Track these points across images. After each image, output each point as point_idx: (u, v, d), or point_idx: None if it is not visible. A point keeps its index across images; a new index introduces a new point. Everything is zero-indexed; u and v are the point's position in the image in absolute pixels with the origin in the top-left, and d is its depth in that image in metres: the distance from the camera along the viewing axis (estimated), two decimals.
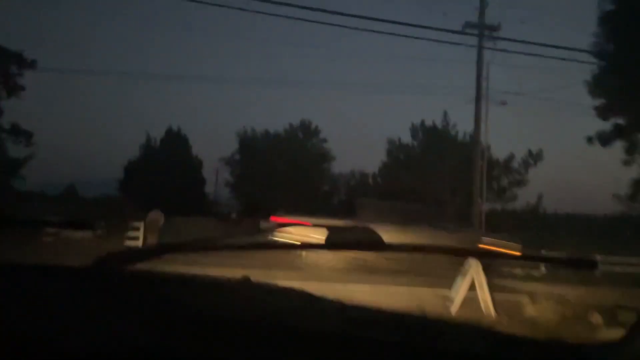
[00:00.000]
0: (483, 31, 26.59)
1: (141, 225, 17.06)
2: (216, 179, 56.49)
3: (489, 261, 10.60)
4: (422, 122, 42.88)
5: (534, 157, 39.26)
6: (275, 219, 16.14)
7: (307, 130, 51.71)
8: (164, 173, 48.00)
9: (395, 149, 44.15)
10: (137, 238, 16.77)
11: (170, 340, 0.83)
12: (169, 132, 53.08)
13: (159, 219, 17.67)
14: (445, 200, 33.00)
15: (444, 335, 1.04)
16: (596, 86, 27.30)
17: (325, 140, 51.69)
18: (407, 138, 43.09)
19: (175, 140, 52.57)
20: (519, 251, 13.95)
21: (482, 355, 0.93)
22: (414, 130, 43.25)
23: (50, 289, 1.07)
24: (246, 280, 1.34)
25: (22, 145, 19.37)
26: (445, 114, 42.48)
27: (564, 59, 23.62)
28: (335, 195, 50.01)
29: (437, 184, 35.24)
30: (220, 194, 55.80)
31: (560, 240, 23.98)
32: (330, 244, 2.82)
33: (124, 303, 1.01)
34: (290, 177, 46.72)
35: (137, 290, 1.13)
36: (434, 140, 40.82)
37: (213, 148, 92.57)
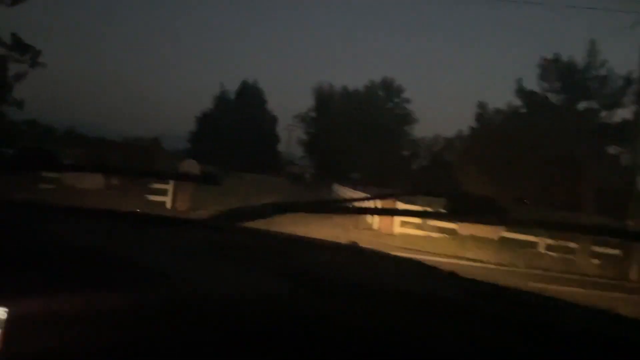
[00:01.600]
0: None
1: (169, 187, 14.19)
2: (289, 136, 54.22)
3: None
4: (557, 57, 32.27)
5: None
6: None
7: (388, 89, 48.14)
8: (236, 127, 46.33)
9: (486, 114, 39.87)
10: (164, 192, 13.76)
11: (294, 292, 0.88)
12: (245, 84, 51.01)
13: (194, 171, 14.80)
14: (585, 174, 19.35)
15: (564, 315, 1.03)
16: None
17: (408, 101, 48.03)
18: (504, 101, 38.65)
19: (251, 94, 50.52)
20: None
21: (606, 336, 0.90)
22: (544, 70, 32.71)
23: (182, 239, 1.17)
24: (355, 245, 1.38)
25: (27, 65, 16.61)
26: (591, 44, 30.22)
27: None
28: (415, 160, 46.46)
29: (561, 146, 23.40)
30: (293, 153, 53.59)
31: None
32: (451, 214, 2.11)
33: (247, 257, 1.08)
34: (367, 138, 43.62)
35: (257, 245, 1.19)
36: (572, 80, 30.91)
37: (288, 103, 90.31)
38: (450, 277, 1.18)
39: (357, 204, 1.80)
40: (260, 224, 1.34)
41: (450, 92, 72.79)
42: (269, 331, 0.76)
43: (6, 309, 0.80)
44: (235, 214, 1.40)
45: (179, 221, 1.39)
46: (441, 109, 74.91)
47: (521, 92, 34.41)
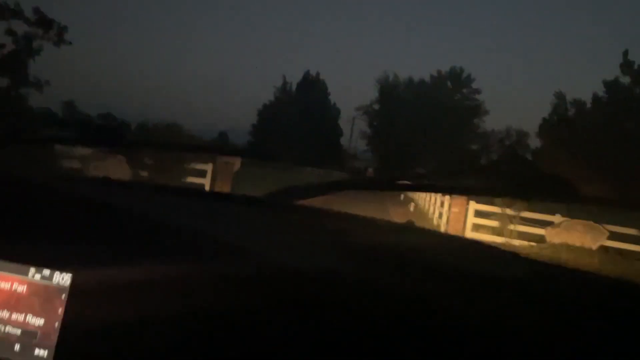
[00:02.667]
0: None
1: (208, 168, 12.96)
2: (352, 130, 52.66)
3: None
4: None
5: None
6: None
7: (457, 79, 45.64)
8: (298, 120, 45.29)
9: (564, 105, 36.78)
10: (202, 174, 12.63)
11: (352, 267, 0.89)
12: (307, 76, 49.85)
13: (234, 163, 13.56)
14: None
15: (625, 297, 1.02)
16: None
17: (477, 92, 45.36)
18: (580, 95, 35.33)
19: (313, 86, 49.32)
20: None
21: None
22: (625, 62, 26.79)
23: (244, 215, 1.24)
24: (411, 224, 1.45)
25: (51, 42, 15.44)
26: None
27: None
28: (486, 154, 43.78)
29: None
30: (356, 146, 51.95)
31: None
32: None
33: (304, 232, 1.14)
34: (434, 131, 41.45)
35: (313, 222, 1.23)
36: None
37: (351, 95, 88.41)
38: (512, 258, 1.20)
39: (412, 183, 1.89)
40: (318, 203, 1.35)
41: (522, 82, 68.91)
42: (333, 304, 0.82)
43: (70, 275, 0.95)
44: (294, 191, 1.44)
45: (238, 198, 1.43)
46: (513, 100, 70.97)
47: (628, 66, 28.90)
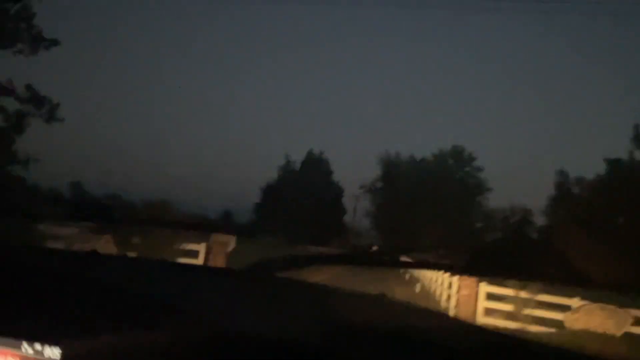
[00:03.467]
0: None
1: (201, 248, 12.43)
2: (355, 207, 52.50)
3: None
4: None
5: None
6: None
7: (459, 157, 46.00)
8: (301, 198, 45.29)
9: (568, 183, 36.73)
10: (195, 254, 12.14)
11: (323, 337, 1.02)
12: (310, 154, 50.32)
13: (228, 242, 13.02)
14: None
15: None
16: None
17: (480, 169, 45.56)
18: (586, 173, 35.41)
19: (316, 164, 49.68)
20: None
21: None
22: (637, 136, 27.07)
23: (221, 287, 1.41)
24: (383, 296, 1.62)
25: (42, 119, 15.25)
26: None
27: None
28: (488, 233, 43.31)
29: None
30: (359, 224, 51.64)
31: None
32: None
33: (284, 303, 1.29)
34: (437, 209, 41.26)
35: (286, 293, 1.42)
36: None
37: (353, 174, 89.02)
38: (476, 331, 1.13)
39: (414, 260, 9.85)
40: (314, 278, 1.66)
41: (525, 160, 69.47)
42: None
43: (59, 349, 0.99)
44: (272, 265, 1.95)
45: (218, 271, 1.28)
46: (516, 178, 71.27)
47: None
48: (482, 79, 78.91)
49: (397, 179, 45.61)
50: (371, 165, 48.66)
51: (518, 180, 69.16)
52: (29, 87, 14.93)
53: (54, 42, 15.59)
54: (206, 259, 12.07)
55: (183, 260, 12.32)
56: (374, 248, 41.82)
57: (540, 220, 39.11)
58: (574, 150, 65.62)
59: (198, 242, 12.56)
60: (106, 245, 11.72)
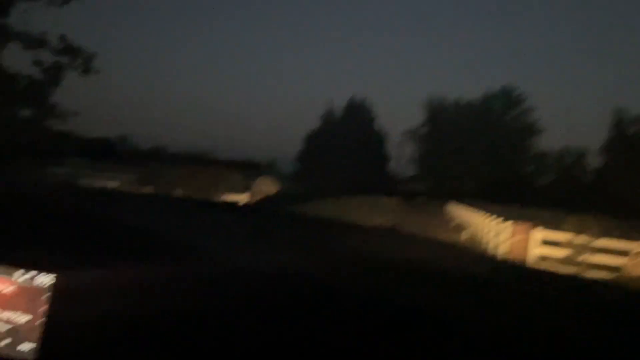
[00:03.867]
0: None
1: (243, 195, 12.16)
2: (399, 154, 51.40)
3: None
4: None
5: None
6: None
7: (507, 99, 43.99)
8: (344, 146, 44.60)
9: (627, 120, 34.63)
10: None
11: (332, 270, 1.52)
12: (352, 101, 49.23)
13: (268, 188, 12.73)
14: None
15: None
16: None
17: (530, 110, 43.51)
18: None
19: (358, 112, 48.62)
20: None
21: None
22: None
23: (227, 221, 2.91)
24: (394, 229, 4.31)
25: (79, 70, 14.73)
26: None
27: None
28: (540, 177, 41.70)
29: None
30: (404, 171, 50.64)
31: None
32: None
33: (299, 238, 2.46)
34: (485, 153, 39.87)
35: (295, 227, 2.89)
36: None
37: (397, 119, 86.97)
38: (480, 256, 1.58)
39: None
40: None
41: (579, 99, 66.22)
42: (304, 304, 1.11)
43: (54, 275, 1.01)
44: (281, 199, 2.42)
45: (224, 205, 1.99)
46: (570, 118, 68.09)
47: None
48: (531, 14, 74.85)
49: (443, 124, 44.19)
50: (415, 110, 47.30)
51: (572, 121, 66.19)
52: (62, 38, 14.48)
53: None
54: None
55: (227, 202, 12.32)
56: (419, 195, 41.06)
57: (596, 161, 37.32)
58: (630, 88, 62.02)
59: (243, 187, 12.37)
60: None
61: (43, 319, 1.11)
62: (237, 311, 0.90)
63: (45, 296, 1.13)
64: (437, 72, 74.00)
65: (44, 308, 1.12)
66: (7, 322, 1.16)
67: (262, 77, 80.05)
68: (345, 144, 45.02)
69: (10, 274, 1.17)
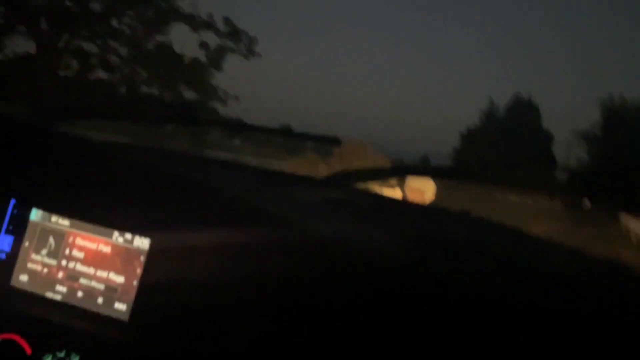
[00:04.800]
0: None
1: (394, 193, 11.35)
2: (567, 156, 47.59)
3: None
4: None
5: None
6: None
7: None
8: (506, 145, 42.45)
9: None
10: None
11: (406, 251, 0.96)
12: (517, 99, 46.60)
13: (426, 189, 11.11)
14: None
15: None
16: None
17: None
18: None
19: (524, 109, 45.96)
20: None
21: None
22: None
23: (305, 195, 1.32)
24: (467, 213, 1.46)
25: (241, 54, 14.98)
26: None
27: None
28: None
29: None
30: (571, 176, 46.76)
31: None
32: None
33: (362, 215, 1.21)
34: None
35: (372, 205, 1.35)
36: None
37: (563, 117, 79.95)
38: (570, 254, 1.20)
39: (488, 173, 2.08)
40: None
41: None
42: (379, 286, 0.86)
43: (149, 239, 1.10)
44: (356, 174, 1.50)
45: (303, 179, 1.53)
46: None
47: None
48: None
49: (622, 127, 40.03)
50: (589, 108, 43.40)
51: None
52: (227, 20, 15.22)
53: None
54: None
55: None
56: (587, 203, 37.72)
57: None
58: None
59: (391, 186, 11.98)
60: None
61: (138, 281, 1.15)
62: (317, 281, 0.89)
63: (141, 259, 1.15)
64: (613, 68, 66.93)
65: (139, 270, 1.15)
66: (105, 281, 1.21)
67: (412, 70, 78.83)
68: (508, 143, 42.90)
69: (109, 236, 1.21)
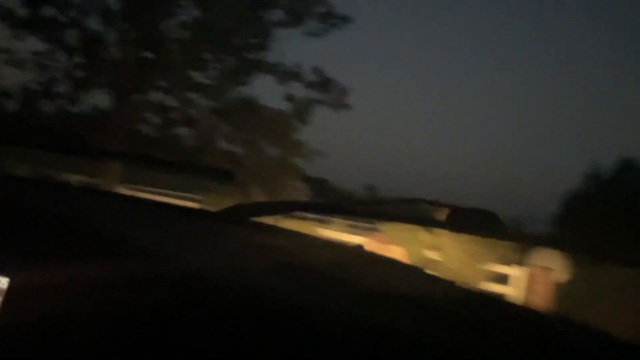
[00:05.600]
0: None
1: (515, 272, 8.71)
2: None
3: None
4: None
5: None
6: None
7: None
8: (612, 211, 38.76)
9: None
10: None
11: (287, 287, 0.89)
12: (625, 162, 42.95)
13: (554, 265, 8.47)
14: None
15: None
16: None
17: None
18: None
19: (630, 173, 42.34)
20: None
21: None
22: None
23: (189, 227, 1.29)
24: (360, 248, 1.43)
25: (329, 106, 13.19)
26: None
27: None
28: None
29: None
30: None
31: None
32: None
33: (249, 249, 1.16)
34: None
35: (260, 239, 1.27)
36: None
37: None
38: (448, 286, 1.22)
39: (374, 209, 1.99)
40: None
41: None
42: (260, 322, 0.81)
43: (8, 279, 0.97)
44: (248, 209, 1.47)
45: (192, 212, 1.50)
46: None
47: None
48: None
49: None
50: None
51: None
52: (317, 70, 13.68)
53: (345, 19, 14.10)
54: (527, 289, 8.62)
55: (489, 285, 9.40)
56: None
57: None
58: None
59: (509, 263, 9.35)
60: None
61: None
62: (180, 314, 0.73)
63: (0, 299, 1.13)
64: None
65: None
66: None
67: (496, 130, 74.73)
68: (614, 208, 39.23)
69: None
